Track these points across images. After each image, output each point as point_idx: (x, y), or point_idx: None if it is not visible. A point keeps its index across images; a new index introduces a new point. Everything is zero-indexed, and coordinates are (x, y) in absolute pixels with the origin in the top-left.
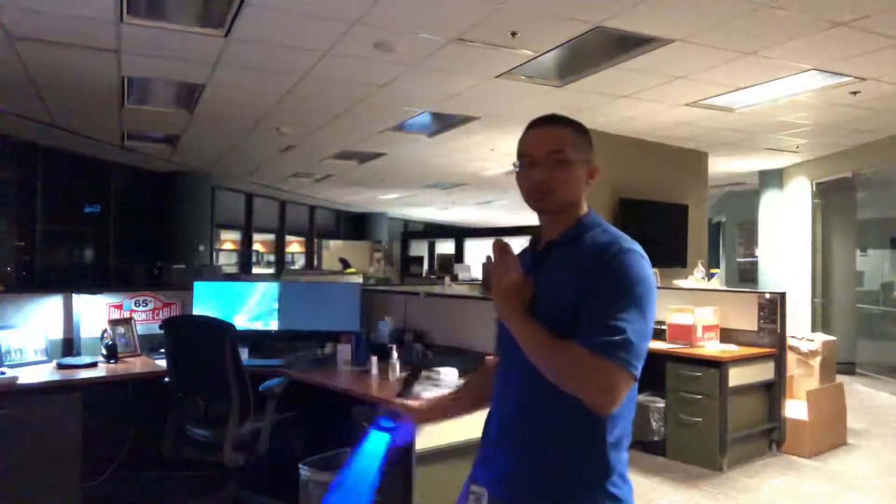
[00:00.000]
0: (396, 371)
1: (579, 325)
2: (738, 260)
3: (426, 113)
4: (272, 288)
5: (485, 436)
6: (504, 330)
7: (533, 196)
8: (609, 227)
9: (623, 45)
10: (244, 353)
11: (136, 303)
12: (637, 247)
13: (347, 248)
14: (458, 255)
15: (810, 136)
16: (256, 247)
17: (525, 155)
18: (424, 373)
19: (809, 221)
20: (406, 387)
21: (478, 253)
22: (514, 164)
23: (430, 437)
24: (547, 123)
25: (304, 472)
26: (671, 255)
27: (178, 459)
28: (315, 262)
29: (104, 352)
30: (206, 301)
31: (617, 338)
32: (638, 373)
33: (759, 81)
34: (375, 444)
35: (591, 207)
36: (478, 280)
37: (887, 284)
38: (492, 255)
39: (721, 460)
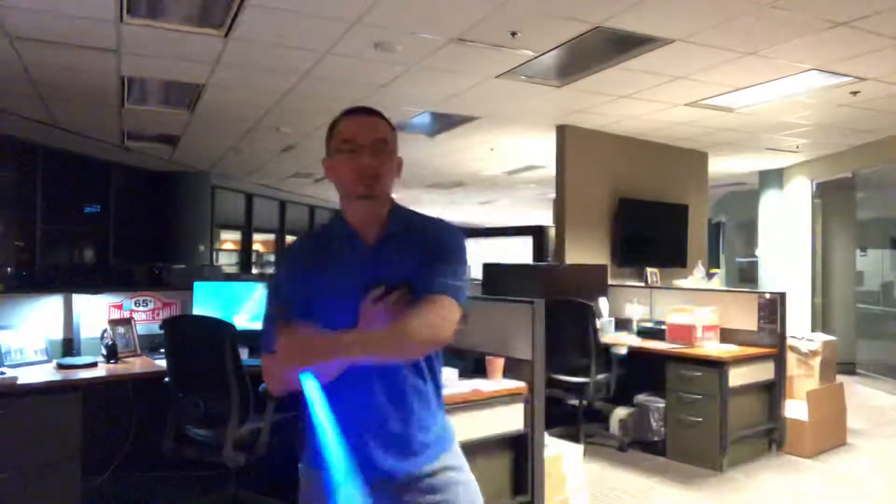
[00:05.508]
0: None
1: (419, 283)
2: (738, 260)
3: (426, 113)
4: None
5: (343, 445)
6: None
7: (363, 182)
8: (413, 210)
9: (623, 45)
10: (244, 353)
11: (136, 303)
12: None
13: None
14: None
15: (810, 136)
16: (256, 247)
17: (349, 141)
18: None
19: (809, 221)
20: None
21: (478, 253)
22: (334, 148)
23: None
24: (368, 113)
25: None
26: (671, 255)
27: (178, 459)
28: None
29: (104, 352)
30: (206, 301)
31: (455, 282)
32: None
33: (759, 81)
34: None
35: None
36: (478, 280)
37: (887, 284)
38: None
39: (721, 460)
